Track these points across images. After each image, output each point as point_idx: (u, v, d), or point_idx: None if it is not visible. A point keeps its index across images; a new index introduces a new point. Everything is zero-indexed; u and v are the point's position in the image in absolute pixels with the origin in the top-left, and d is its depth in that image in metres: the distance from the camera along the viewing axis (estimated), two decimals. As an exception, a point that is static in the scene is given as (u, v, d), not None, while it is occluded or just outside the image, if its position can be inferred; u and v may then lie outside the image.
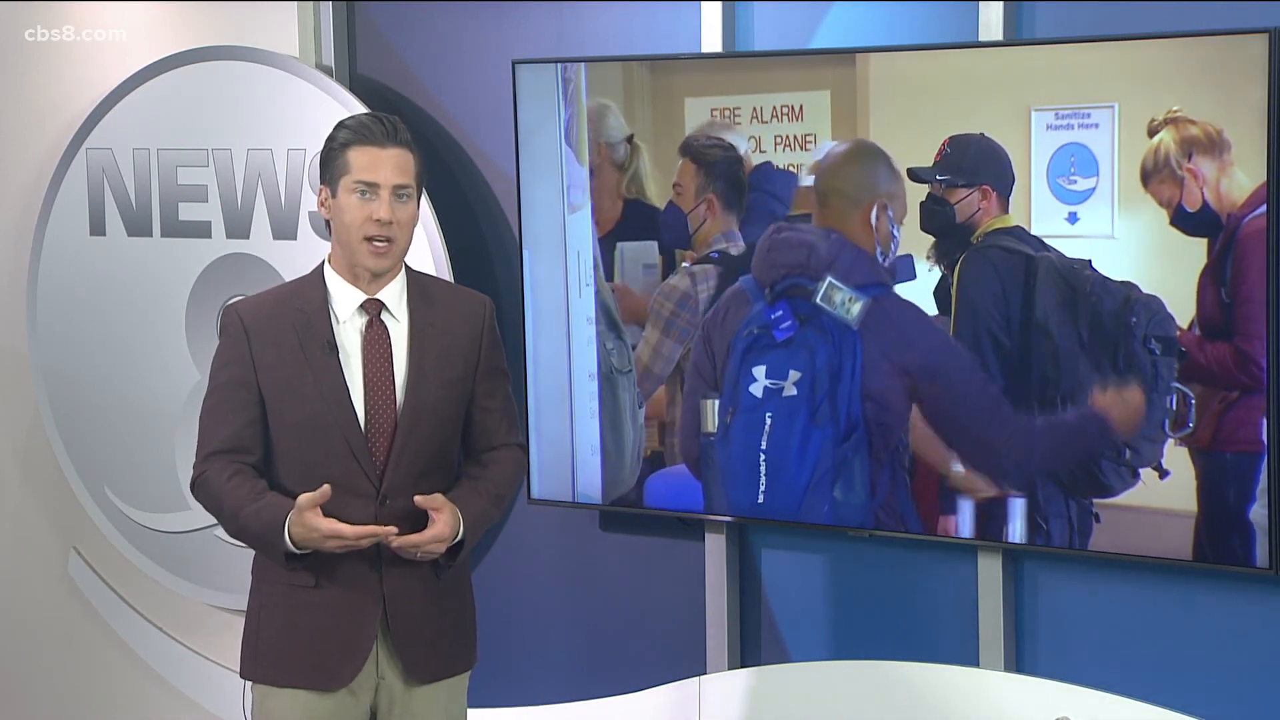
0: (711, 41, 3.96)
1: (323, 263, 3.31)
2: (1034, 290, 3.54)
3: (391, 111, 3.54)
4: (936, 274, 3.64)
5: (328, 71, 4.47)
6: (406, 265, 3.33)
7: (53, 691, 5.20)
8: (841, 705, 3.87)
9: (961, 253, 3.61)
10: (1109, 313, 3.47)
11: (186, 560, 4.74)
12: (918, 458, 3.70)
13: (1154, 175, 3.40)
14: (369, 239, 3.21)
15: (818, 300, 3.76)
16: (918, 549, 3.82)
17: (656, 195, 3.96)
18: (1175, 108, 3.35)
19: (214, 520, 3.33)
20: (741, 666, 4.08)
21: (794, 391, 3.81)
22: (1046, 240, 3.52)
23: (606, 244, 4.03)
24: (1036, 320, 3.54)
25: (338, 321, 3.26)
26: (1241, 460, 3.37)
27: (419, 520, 3.21)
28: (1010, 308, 3.57)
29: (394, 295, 3.28)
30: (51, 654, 5.18)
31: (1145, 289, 3.43)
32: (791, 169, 3.78)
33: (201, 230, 4.62)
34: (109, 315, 4.80)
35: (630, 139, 3.96)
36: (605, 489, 4.11)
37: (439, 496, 3.23)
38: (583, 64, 3.99)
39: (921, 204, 3.63)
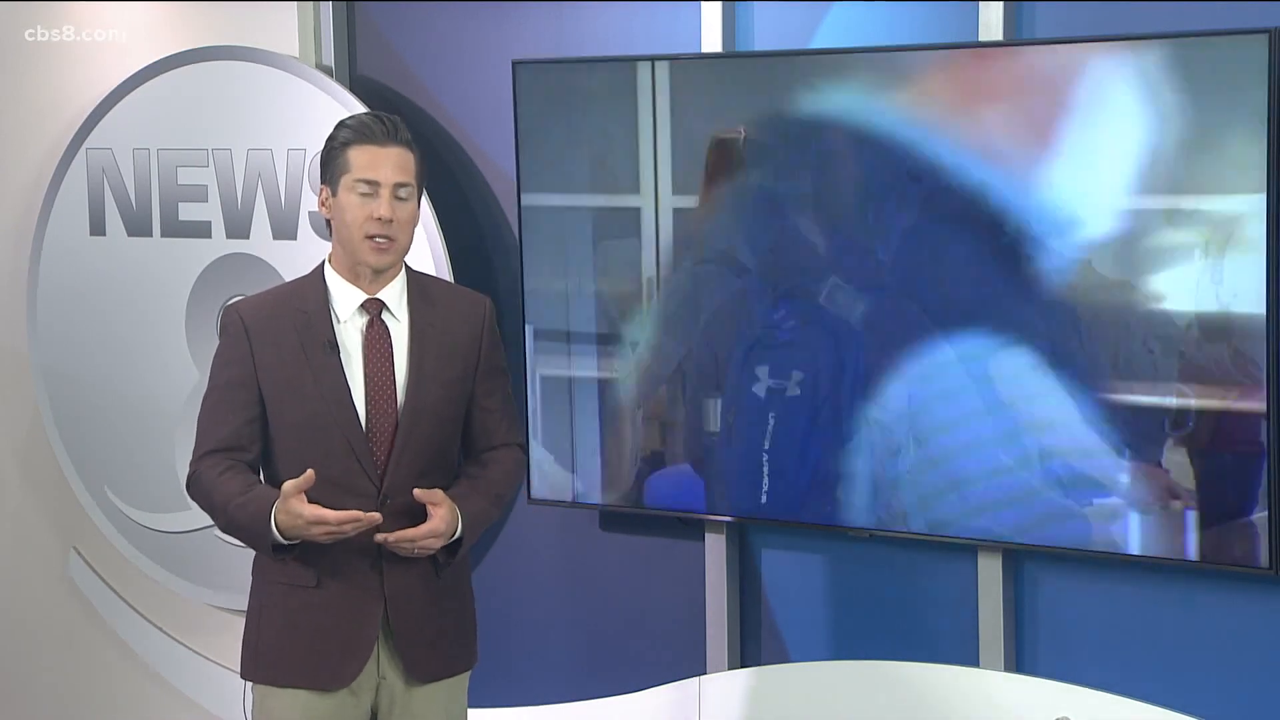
0: (711, 41, 3.96)
1: (323, 263, 3.31)
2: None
3: (392, 111, 3.54)
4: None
5: (328, 71, 4.47)
6: (407, 265, 3.33)
7: (53, 691, 5.20)
8: (841, 705, 3.87)
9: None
10: (1108, 312, 3.46)
11: (186, 560, 4.74)
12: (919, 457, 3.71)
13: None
14: (370, 237, 3.21)
15: (821, 301, 3.76)
16: (918, 549, 3.82)
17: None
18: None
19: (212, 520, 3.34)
20: (741, 666, 4.08)
21: (797, 392, 3.81)
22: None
23: (607, 243, 4.04)
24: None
25: (338, 321, 3.26)
26: (1242, 460, 3.37)
27: (419, 520, 3.22)
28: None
29: (394, 295, 3.28)
30: (51, 654, 5.18)
31: (1144, 289, 3.43)
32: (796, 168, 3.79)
33: (201, 230, 4.62)
34: (109, 315, 4.80)
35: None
36: (605, 489, 4.11)
37: (438, 492, 3.23)
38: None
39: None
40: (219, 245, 4.59)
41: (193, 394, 4.51)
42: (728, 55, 3.93)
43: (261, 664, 3.30)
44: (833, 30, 3.86)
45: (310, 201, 4.38)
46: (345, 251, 3.25)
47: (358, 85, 4.49)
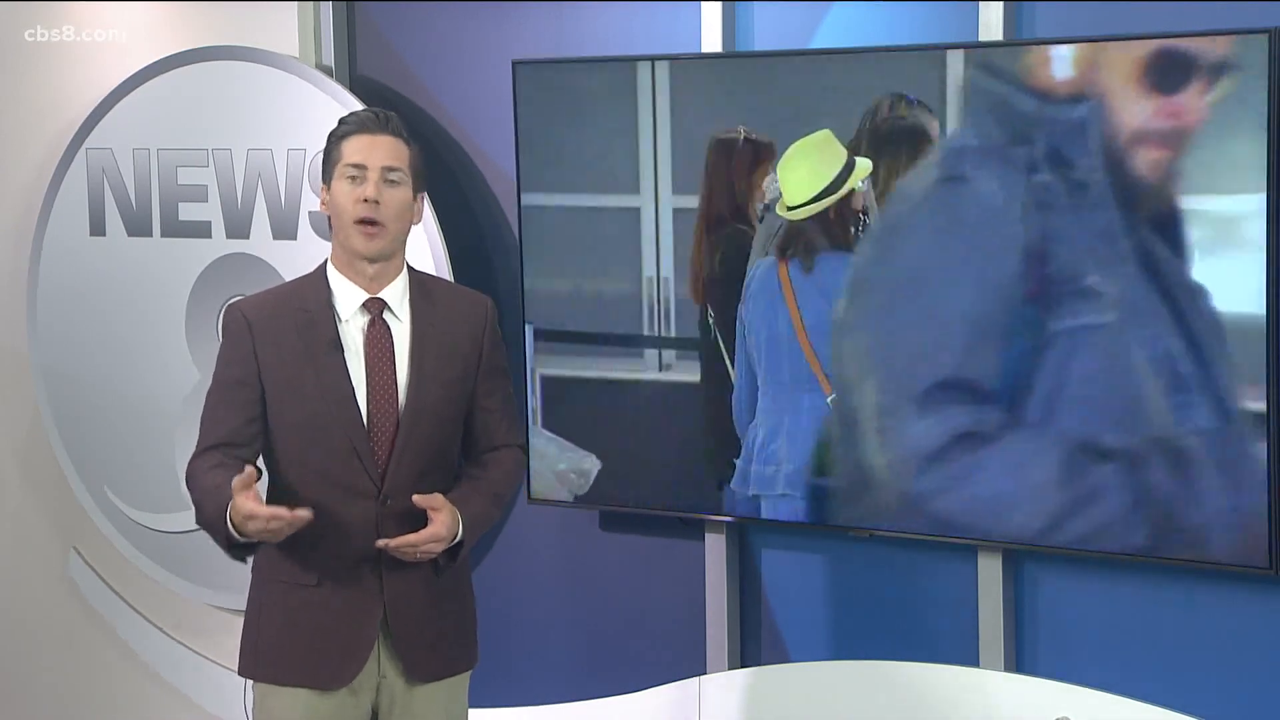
0: (711, 41, 3.96)
1: (325, 262, 3.31)
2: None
3: (391, 110, 3.54)
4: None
5: (328, 71, 4.47)
6: (408, 265, 3.33)
7: (53, 691, 5.20)
8: (841, 705, 3.87)
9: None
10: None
11: (186, 560, 4.74)
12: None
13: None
14: (358, 222, 3.21)
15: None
16: (918, 549, 3.82)
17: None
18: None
19: (214, 520, 3.34)
20: (741, 666, 4.08)
21: (798, 391, 3.81)
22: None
23: (607, 243, 4.03)
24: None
25: (340, 320, 3.26)
26: (1242, 460, 3.37)
27: (419, 520, 3.21)
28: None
29: (396, 295, 3.28)
30: (51, 654, 5.18)
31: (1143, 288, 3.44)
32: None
33: (201, 230, 4.62)
34: (109, 315, 4.80)
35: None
36: (605, 489, 4.10)
37: (438, 496, 3.23)
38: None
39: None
40: (219, 245, 4.59)
41: (193, 394, 4.51)
42: (728, 55, 3.93)
43: (261, 662, 3.30)
44: (833, 30, 3.86)
45: (310, 201, 4.39)
46: (340, 241, 3.26)
47: (358, 85, 4.49)
